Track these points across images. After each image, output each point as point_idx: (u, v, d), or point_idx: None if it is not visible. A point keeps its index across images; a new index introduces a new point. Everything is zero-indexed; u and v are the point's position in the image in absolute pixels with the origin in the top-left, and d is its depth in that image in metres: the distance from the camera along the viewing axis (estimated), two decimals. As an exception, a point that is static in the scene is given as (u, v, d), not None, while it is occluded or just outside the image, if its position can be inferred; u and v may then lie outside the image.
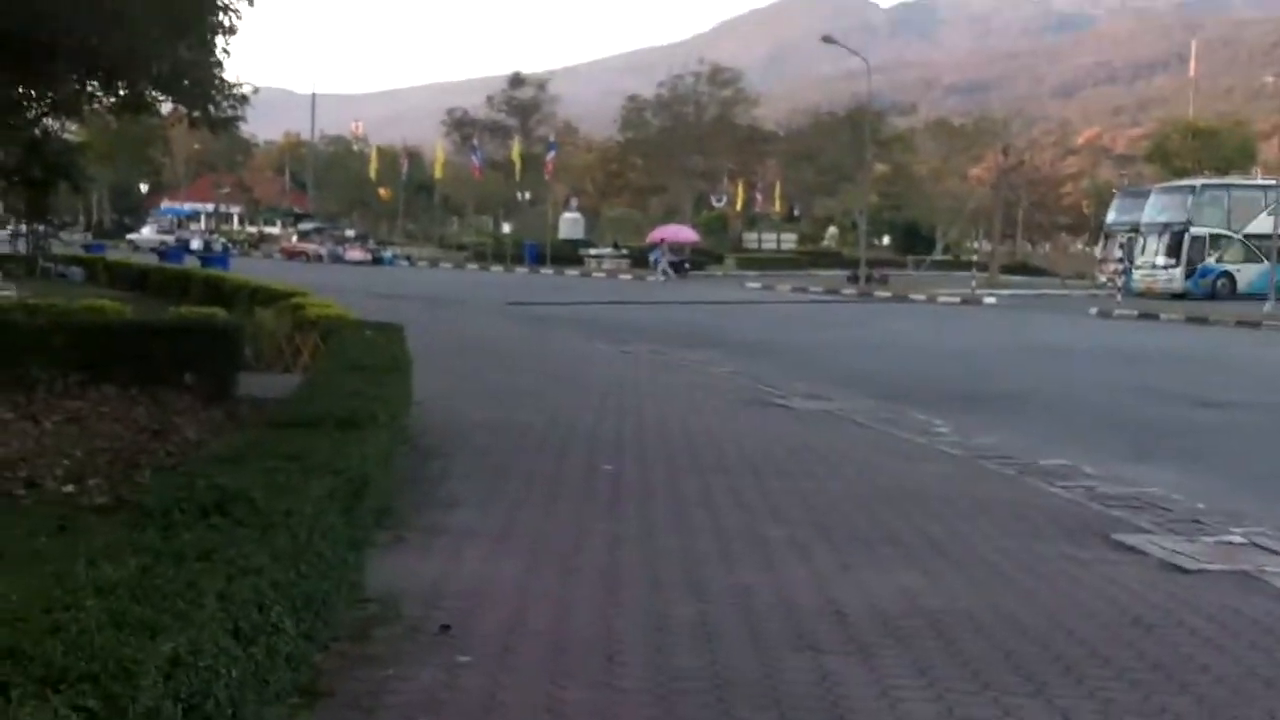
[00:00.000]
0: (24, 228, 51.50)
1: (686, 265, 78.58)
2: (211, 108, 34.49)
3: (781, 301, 55.25)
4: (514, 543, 9.37)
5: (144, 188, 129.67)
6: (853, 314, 48.42)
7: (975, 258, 66.32)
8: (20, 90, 42.87)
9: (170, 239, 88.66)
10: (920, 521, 10.76)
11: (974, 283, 61.02)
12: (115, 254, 58.27)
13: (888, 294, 61.21)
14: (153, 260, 48.89)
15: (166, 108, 37.71)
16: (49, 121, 47.51)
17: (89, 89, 39.39)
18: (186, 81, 34.80)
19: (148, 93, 36.61)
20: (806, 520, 10.54)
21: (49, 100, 43.95)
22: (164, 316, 18.79)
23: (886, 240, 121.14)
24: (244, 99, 34.06)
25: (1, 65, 30.07)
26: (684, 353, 28.11)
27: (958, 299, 57.41)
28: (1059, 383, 25.09)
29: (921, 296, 58.70)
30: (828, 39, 70.07)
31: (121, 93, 37.83)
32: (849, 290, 63.87)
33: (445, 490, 11.29)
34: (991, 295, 58.99)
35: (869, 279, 66.93)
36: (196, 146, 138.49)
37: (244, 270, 59.01)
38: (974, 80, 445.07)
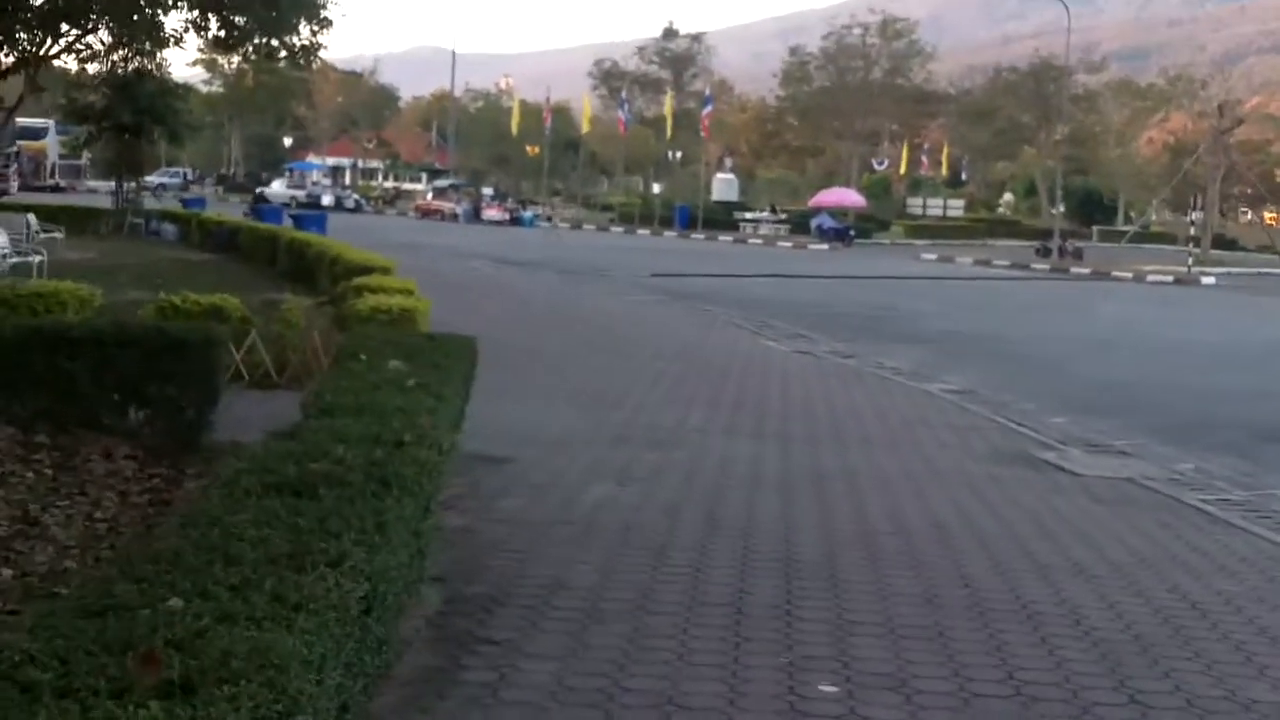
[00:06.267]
0: (130, 181, 45.73)
1: (852, 232, 71.23)
2: (294, 37, 28.87)
3: (967, 277, 47.92)
4: None
5: (287, 141, 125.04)
6: (1056, 294, 41.16)
7: (1192, 231, 58.39)
8: (106, 23, 37.52)
9: (300, 194, 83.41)
10: None
11: (1190, 260, 53.10)
12: (217, 209, 52.41)
13: (1085, 270, 53.52)
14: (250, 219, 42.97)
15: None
16: (142, 60, 42.03)
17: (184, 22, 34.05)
18: (274, 12, 29.22)
19: (236, 21, 31.07)
20: None
21: (138, 35, 38.52)
22: (103, 319, 12.43)
23: (1060, 208, 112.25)
24: (327, 23, 28.23)
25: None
26: (876, 353, 21.40)
27: (1170, 278, 49.78)
28: None
29: (1126, 274, 51.03)
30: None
31: (214, 26, 32.39)
32: (1040, 265, 56.24)
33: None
34: (1209, 274, 51.12)
35: (1062, 252, 59.22)
36: (339, 100, 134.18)
37: (369, 230, 53.16)
38: (1134, 47, 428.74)
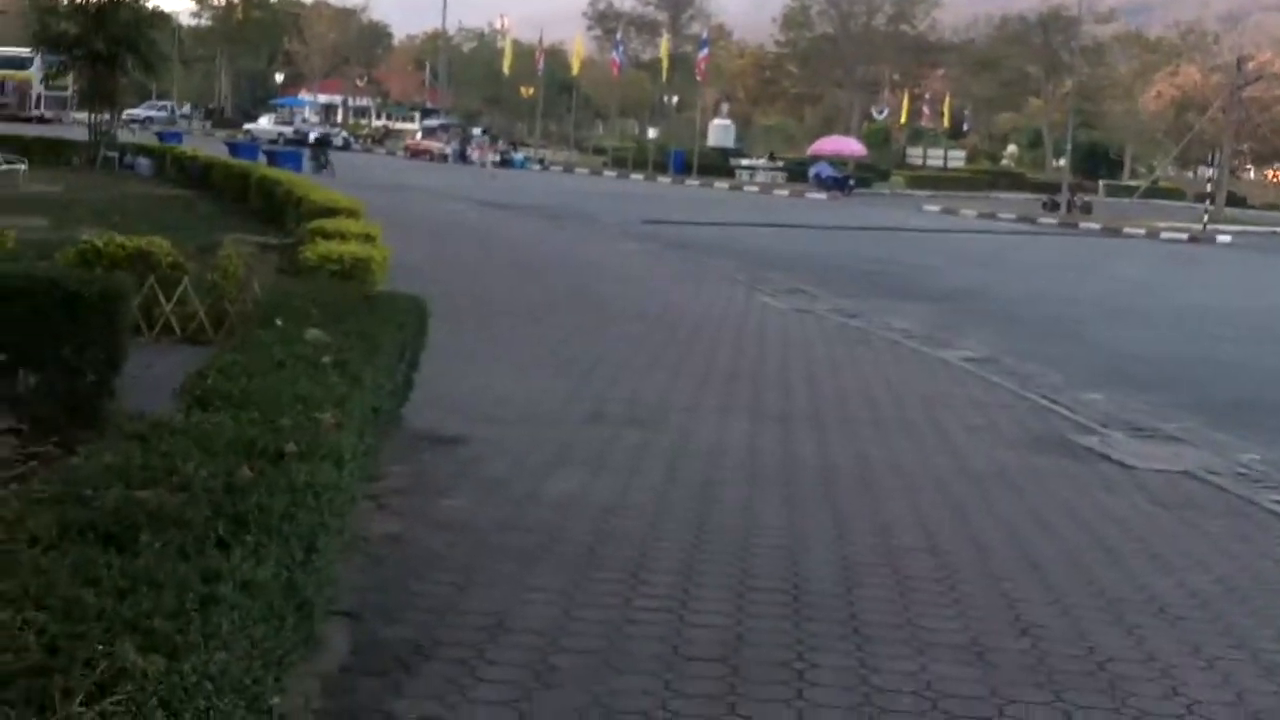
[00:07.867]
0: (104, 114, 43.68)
1: (851, 182, 69.17)
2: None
3: (972, 231, 46.13)
4: None
5: (278, 77, 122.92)
6: (1067, 251, 39.44)
7: (1207, 187, 56.43)
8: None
9: (288, 130, 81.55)
10: None
11: (1205, 217, 51.27)
12: (199, 144, 50.40)
13: (1095, 225, 51.73)
14: (223, 153, 41.07)
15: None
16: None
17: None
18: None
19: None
20: None
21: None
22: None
23: (1061, 162, 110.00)
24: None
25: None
26: (882, 311, 19.73)
27: (1184, 235, 48.04)
28: None
29: (1139, 230, 49.26)
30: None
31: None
32: (1048, 219, 54.37)
33: None
34: (1224, 233, 49.34)
35: (1070, 206, 57.37)
36: (332, 37, 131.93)
37: (356, 169, 51.30)
38: (1137, 1, 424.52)
